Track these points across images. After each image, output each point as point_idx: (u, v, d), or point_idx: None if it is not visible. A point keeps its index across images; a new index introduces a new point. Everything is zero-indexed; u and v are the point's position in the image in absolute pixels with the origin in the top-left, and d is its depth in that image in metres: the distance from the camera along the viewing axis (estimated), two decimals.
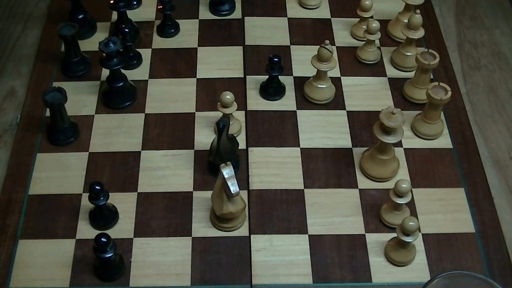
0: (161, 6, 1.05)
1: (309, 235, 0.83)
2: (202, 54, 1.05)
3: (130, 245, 0.82)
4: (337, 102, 0.98)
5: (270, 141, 0.93)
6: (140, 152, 0.91)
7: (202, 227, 0.84)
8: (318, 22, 1.11)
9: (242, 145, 0.92)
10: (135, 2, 1.13)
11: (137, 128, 0.94)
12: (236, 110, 0.90)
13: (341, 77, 1.02)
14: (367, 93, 1.00)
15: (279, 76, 0.97)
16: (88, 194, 0.81)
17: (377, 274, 0.80)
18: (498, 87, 1.04)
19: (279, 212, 0.85)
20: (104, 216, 0.83)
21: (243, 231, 0.84)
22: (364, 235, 0.84)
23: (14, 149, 0.92)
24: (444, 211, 0.86)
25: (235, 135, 0.90)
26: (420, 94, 0.97)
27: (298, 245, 0.82)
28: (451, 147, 0.94)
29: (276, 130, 0.95)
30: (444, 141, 0.94)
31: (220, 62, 1.04)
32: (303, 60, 1.02)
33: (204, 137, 0.93)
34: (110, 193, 0.82)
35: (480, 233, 0.84)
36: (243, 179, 0.88)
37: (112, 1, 1.02)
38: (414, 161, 0.92)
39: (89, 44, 1.05)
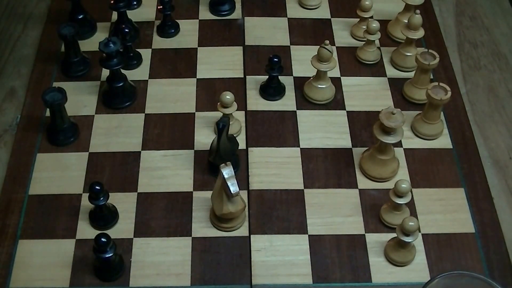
0: (161, 6, 1.05)
1: (309, 235, 0.83)
2: (202, 54, 1.05)
3: (130, 245, 0.82)
4: (337, 102, 0.98)
5: (270, 141, 0.93)
6: (140, 152, 0.91)
7: (202, 227, 0.84)
8: (318, 22, 1.11)
9: (242, 145, 0.92)
10: (135, 2, 1.13)
11: (137, 128, 0.94)
12: (236, 110, 0.90)
13: (341, 77, 1.02)
14: (367, 93, 1.00)
15: (279, 76, 0.97)
16: (88, 194, 0.81)
17: (377, 274, 0.80)
18: (498, 87, 1.04)
19: (279, 212, 0.85)
20: (104, 216, 0.83)
21: (243, 231, 0.84)
22: (364, 235, 0.84)
23: (14, 149, 0.92)
24: (444, 211, 0.86)
25: (235, 135, 0.90)
26: (420, 94, 0.97)
27: (298, 245, 0.82)
28: (451, 147, 0.94)
29: (276, 130, 0.95)
30: (444, 141, 0.94)
31: (220, 62, 1.04)
32: (303, 60, 1.02)
33: (204, 137, 0.93)
34: (110, 193, 0.82)
35: (480, 233, 0.84)
36: (243, 179, 0.88)
37: (112, 1, 1.02)
38: (414, 161, 0.92)
39: (89, 44, 1.05)
